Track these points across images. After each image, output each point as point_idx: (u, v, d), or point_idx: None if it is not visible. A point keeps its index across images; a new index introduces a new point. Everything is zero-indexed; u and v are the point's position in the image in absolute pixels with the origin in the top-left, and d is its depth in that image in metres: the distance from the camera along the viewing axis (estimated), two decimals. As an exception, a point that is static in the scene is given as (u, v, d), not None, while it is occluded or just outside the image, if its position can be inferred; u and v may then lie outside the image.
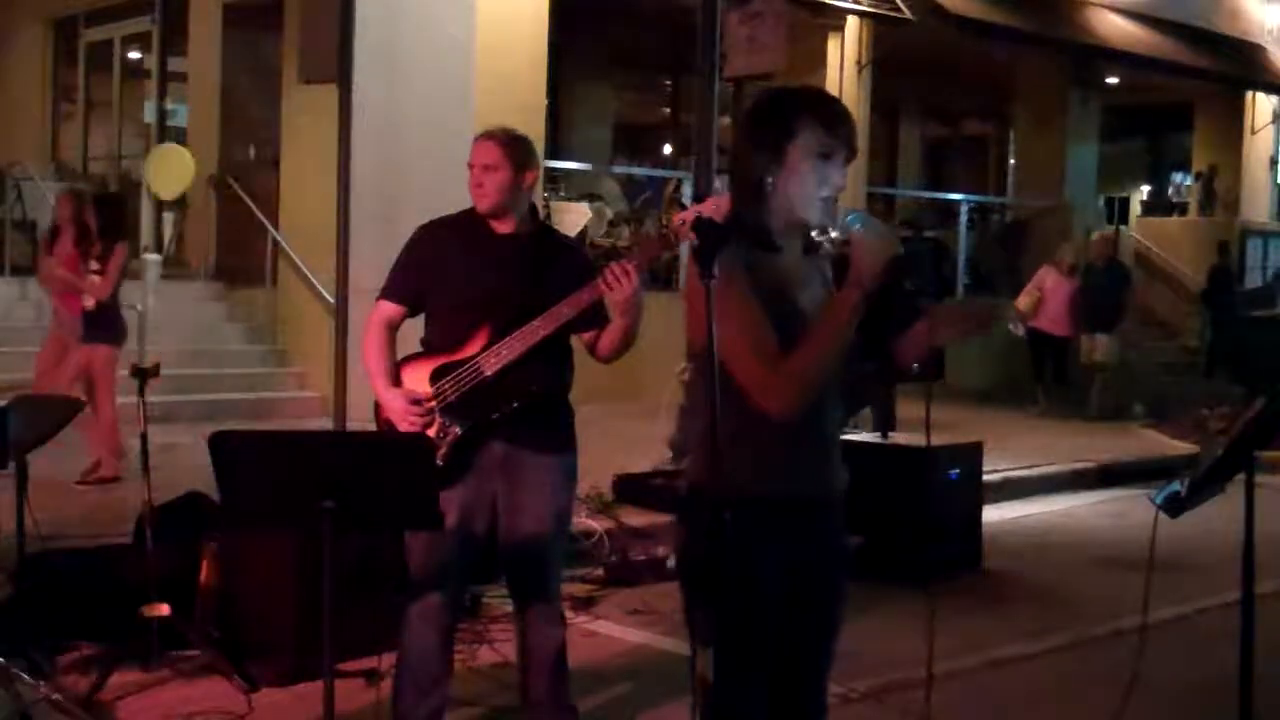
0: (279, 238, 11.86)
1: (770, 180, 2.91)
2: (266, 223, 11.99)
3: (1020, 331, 13.46)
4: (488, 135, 4.26)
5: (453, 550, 4.18)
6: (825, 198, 2.90)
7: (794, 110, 2.93)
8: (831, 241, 2.97)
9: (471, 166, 4.21)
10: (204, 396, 10.56)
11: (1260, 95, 22.10)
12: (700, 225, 3.03)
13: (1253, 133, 22.40)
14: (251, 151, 13.94)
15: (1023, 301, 13.54)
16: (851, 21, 15.77)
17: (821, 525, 3.02)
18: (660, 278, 13.30)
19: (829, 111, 2.94)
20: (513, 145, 4.23)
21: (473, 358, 4.11)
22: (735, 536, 2.82)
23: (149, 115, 15.42)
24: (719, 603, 2.76)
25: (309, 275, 11.18)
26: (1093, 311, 13.52)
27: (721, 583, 2.73)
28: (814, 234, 2.99)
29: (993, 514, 8.32)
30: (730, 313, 2.79)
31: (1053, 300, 13.51)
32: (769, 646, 2.95)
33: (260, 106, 13.03)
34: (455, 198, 4.38)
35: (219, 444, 3.40)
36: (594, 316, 4.15)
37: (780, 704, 3.03)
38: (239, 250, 12.82)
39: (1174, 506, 3.73)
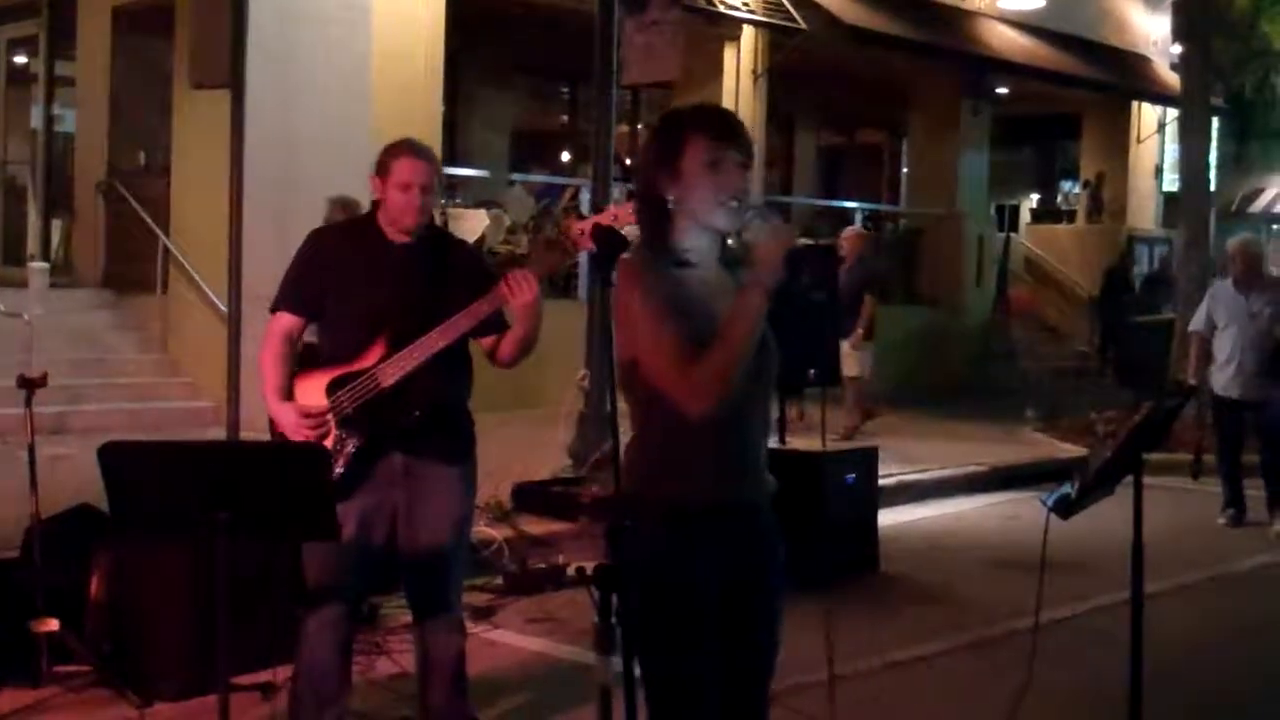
0: (170, 245, 11.66)
1: (671, 197, 2.97)
2: (157, 230, 11.78)
3: None
4: (419, 154, 4.22)
5: (351, 561, 4.14)
6: (728, 203, 2.94)
7: (682, 126, 3.02)
8: (741, 245, 3.01)
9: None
10: (93, 407, 10.35)
11: (1145, 105, 22.62)
12: (599, 233, 3.05)
13: (1138, 142, 22.92)
14: (142, 157, 13.69)
15: None
16: (747, 31, 15.89)
17: (749, 532, 3.04)
18: (559, 286, 13.29)
19: (715, 122, 3.02)
20: (437, 164, 4.28)
21: (370, 369, 4.07)
22: (666, 545, 2.86)
23: (36, 120, 15.10)
24: (637, 612, 2.78)
25: (201, 283, 11.01)
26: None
27: (635, 591, 2.76)
28: (729, 241, 3.04)
29: (888, 517, 8.40)
30: (645, 320, 2.86)
31: None
32: (710, 655, 2.96)
33: (151, 112, 12.80)
34: (350, 204, 4.34)
35: (109, 455, 3.33)
36: (494, 322, 4.15)
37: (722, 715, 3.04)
38: (129, 258, 12.57)
39: (1065, 508, 3.80)
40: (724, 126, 3.01)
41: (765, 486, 3.08)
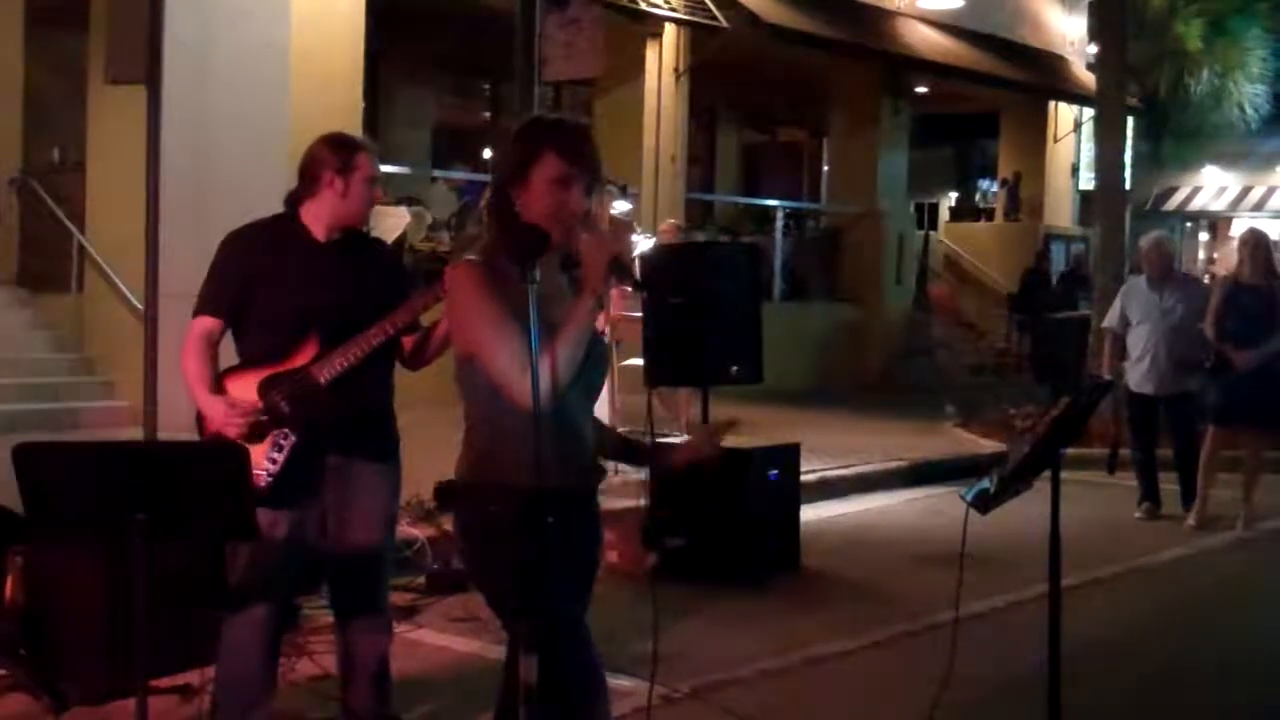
0: (85, 242, 11.49)
1: (518, 202, 3.09)
2: (72, 227, 11.61)
3: None
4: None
5: (282, 562, 4.11)
6: (566, 221, 3.06)
7: (538, 138, 3.13)
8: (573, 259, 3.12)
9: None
10: (6, 407, 10.17)
11: (1062, 105, 22.95)
12: (519, 229, 3.06)
13: (1055, 141, 23.24)
14: (56, 153, 13.47)
15: None
16: (669, 29, 15.92)
17: (580, 516, 3.20)
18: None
19: (569, 141, 3.12)
20: None
21: (304, 368, 4.04)
22: (501, 528, 3.00)
23: (-55, 115, 14.79)
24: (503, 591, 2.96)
25: (117, 281, 10.86)
26: None
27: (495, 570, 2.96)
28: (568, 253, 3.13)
29: (810, 513, 8.45)
30: (484, 318, 3.00)
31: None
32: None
33: (66, 107, 12.59)
34: (268, 199, 4.31)
35: (24, 456, 3.28)
36: (412, 324, 4.16)
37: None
38: (43, 255, 12.37)
39: (984, 503, 3.84)
40: (577, 147, 3.11)
41: (593, 477, 3.27)
